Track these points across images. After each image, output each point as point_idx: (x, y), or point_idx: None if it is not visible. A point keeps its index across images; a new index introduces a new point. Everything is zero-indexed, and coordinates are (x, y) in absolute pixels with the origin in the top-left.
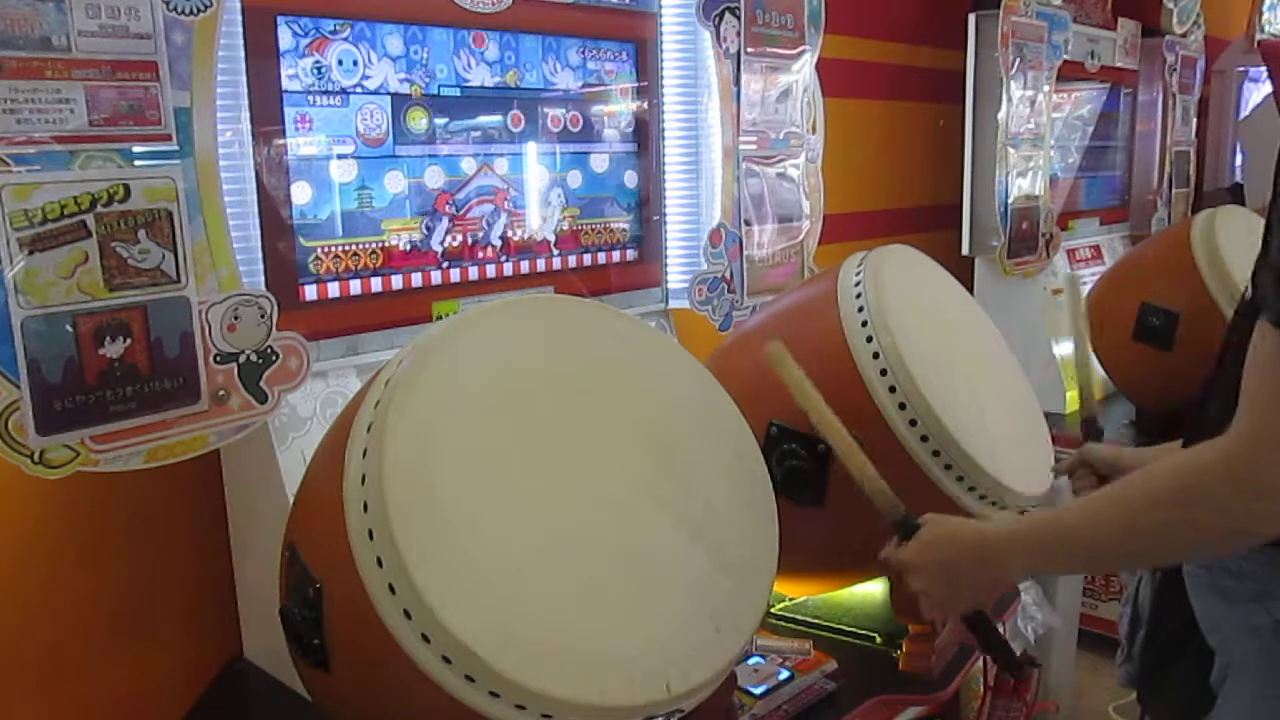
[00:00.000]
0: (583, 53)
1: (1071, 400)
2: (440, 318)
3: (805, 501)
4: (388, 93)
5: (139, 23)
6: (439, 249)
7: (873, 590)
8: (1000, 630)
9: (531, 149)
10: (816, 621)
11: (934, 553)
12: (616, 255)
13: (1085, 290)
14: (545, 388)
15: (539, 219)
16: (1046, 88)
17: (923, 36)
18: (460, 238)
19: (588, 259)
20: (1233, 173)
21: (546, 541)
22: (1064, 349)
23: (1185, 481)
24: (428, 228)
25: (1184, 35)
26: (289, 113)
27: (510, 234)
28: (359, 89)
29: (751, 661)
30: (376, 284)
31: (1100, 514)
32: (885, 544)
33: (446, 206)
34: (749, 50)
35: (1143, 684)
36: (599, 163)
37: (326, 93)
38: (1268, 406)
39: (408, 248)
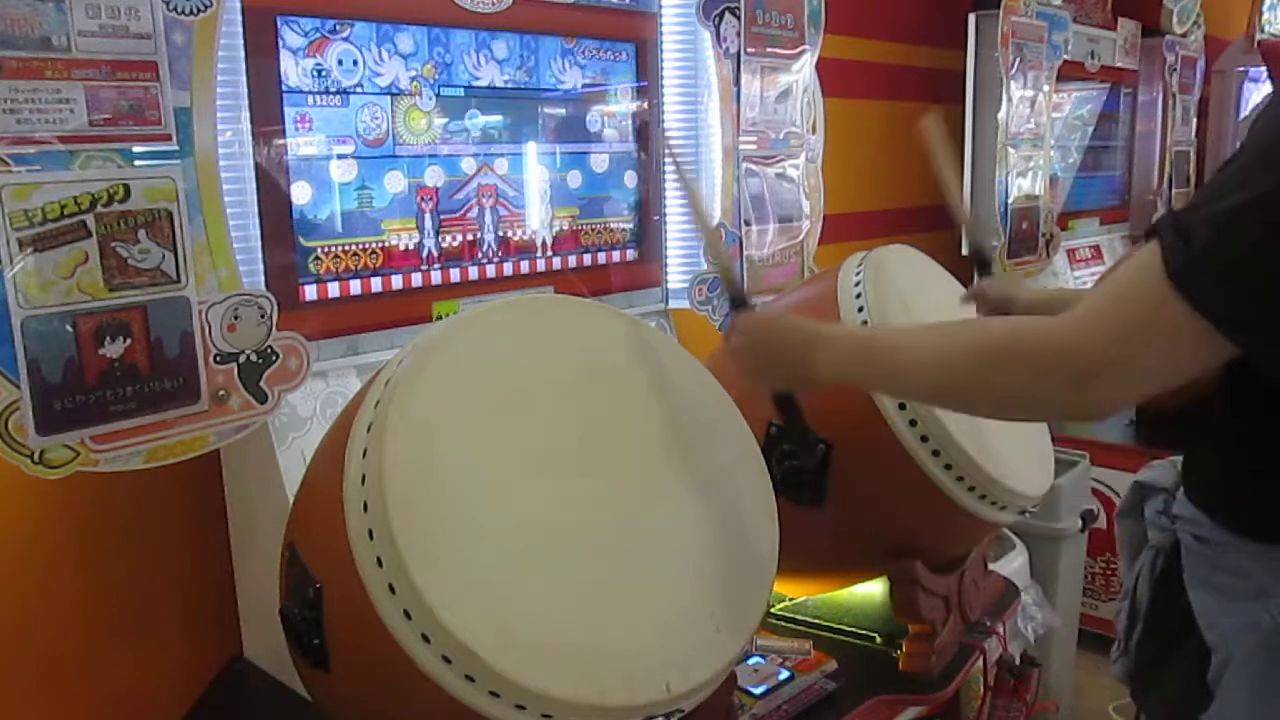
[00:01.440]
0: (583, 53)
1: None
2: (440, 318)
3: (805, 501)
4: (388, 93)
5: (139, 23)
6: (439, 249)
7: (873, 590)
8: (802, 415)
9: (531, 149)
10: (816, 621)
11: (761, 326)
12: (616, 255)
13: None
14: (545, 388)
15: (539, 219)
16: (1046, 88)
17: (922, 36)
18: (460, 238)
19: (588, 259)
20: None
21: (546, 541)
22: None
23: (1007, 345)
24: (425, 227)
25: (1184, 35)
26: (289, 113)
27: (510, 234)
28: (359, 89)
29: (751, 661)
30: (376, 284)
31: (925, 343)
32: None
33: (447, 206)
34: (749, 50)
35: (1139, 680)
36: (599, 163)
37: (326, 93)
38: (1104, 304)
39: (408, 248)
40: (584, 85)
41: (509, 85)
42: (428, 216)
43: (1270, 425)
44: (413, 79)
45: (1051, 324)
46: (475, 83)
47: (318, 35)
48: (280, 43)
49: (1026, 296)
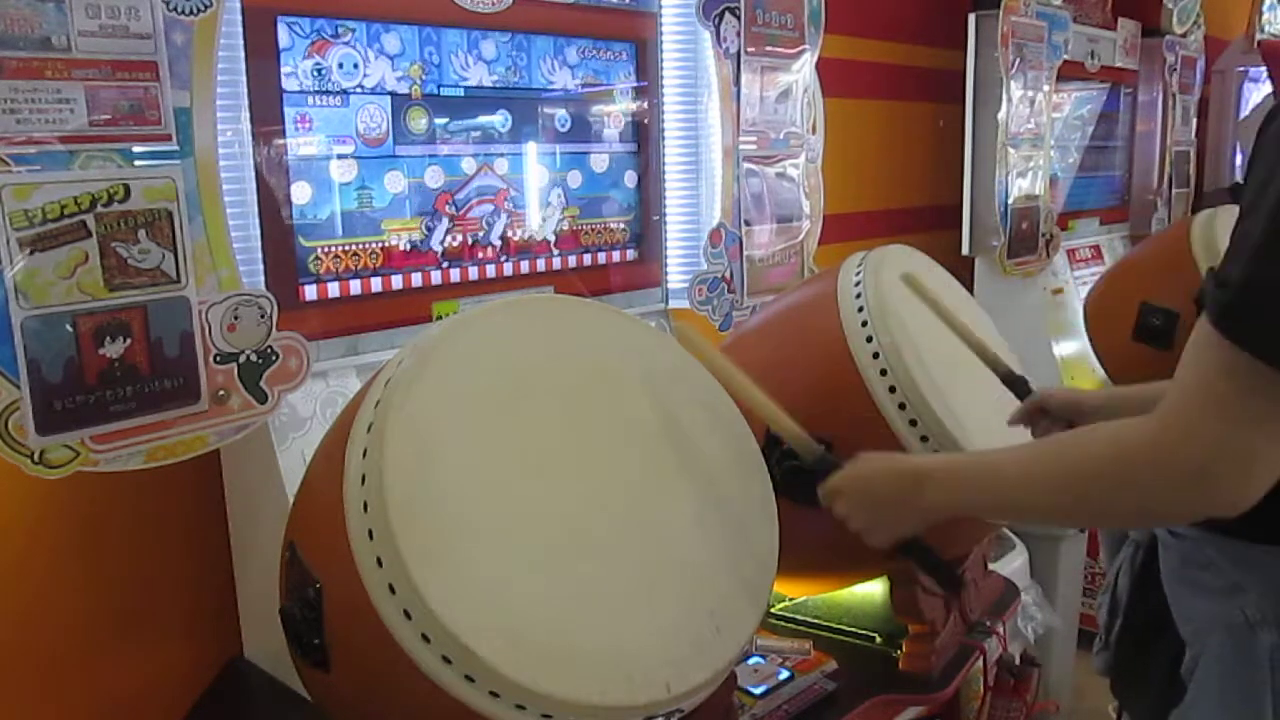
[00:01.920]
0: (583, 53)
1: None
2: (440, 318)
3: (805, 501)
4: (388, 93)
5: (139, 23)
6: (439, 249)
7: (873, 590)
8: (934, 550)
9: (531, 149)
10: (816, 621)
11: (863, 479)
12: (616, 255)
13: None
14: (545, 388)
15: (539, 219)
16: (1046, 88)
17: (922, 36)
18: (460, 238)
19: (588, 259)
20: (1233, 173)
21: (546, 541)
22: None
23: (1116, 459)
24: (428, 228)
25: (1184, 35)
26: (289, 113)
27: (510, 234)
28: (359, 89)
29: (751, 661)
30: (376, 284)
31: (1032, 469)
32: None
33: (446, 206)
34: (749, 50)
35: (1118, 672)
36: (599, 163)
37: (326, 93)
38: (1192, 399)
39: (408, 248)
40: (584, 85)
41: (509, 85)
42: (444, 219)
43: None
44: (412, 79)
45: (1149, 431)
46: (475, 83)
47: (318, 36)
48: (279, 43)
49: (1091, 402)
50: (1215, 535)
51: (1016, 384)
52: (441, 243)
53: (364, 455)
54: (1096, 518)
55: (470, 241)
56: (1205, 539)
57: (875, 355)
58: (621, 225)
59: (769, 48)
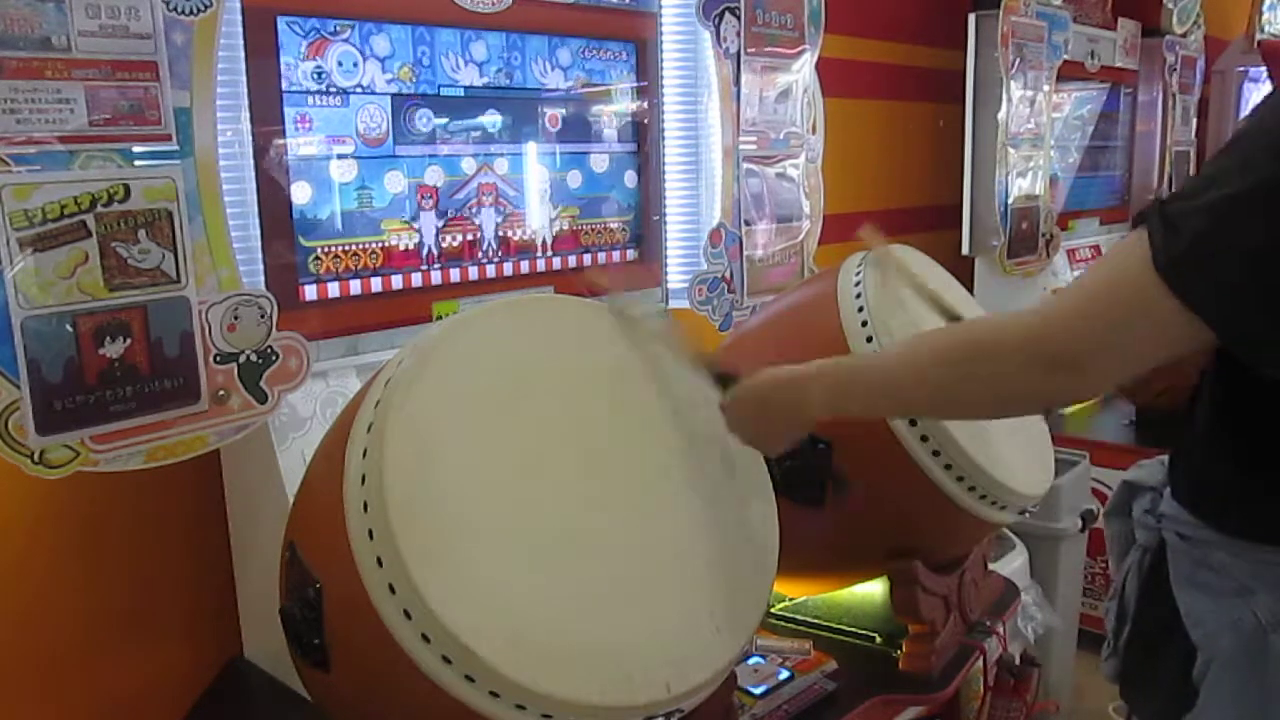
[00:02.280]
0: (583, 53)
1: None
2: (440, 318)
3: (805, 501)
4: (388, 93)
5: (139, 23)
6: (439, 249)
7: (873, 590)
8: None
9: (531, 149)
10: (816, 621)
11: (749, 393)
12: (616, 255)
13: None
14: (545, 387)
15: (538, 219)
16: (1046, 88)
17: (922, 36)
18: (460, 238)
19: (588, 259)
20: None
21: (546, 541)
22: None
23: (994, 334)
24: (428, 226)
25: (1184, 35)
26: (289, 113)
27: (509, 234)
28: (359, 89)
29: (751, 661)
30: (376, 284)
31: (898, 360)
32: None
33: (447, 206)
34: (749, 50)
35: (1127, 678)
36: (599, 163)
37: (326, 93)
38: (1088, 294)
39: (408, 248)
40: (584, 85)
41: (508, 85)
42: (427, 215)
43: (1252, 423)
44: (412, 79)
45: (1031, 315)
46: (475, 82)
47: (318, 36)
48: (280, 43)
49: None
50: (1226, 538)
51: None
52: (441, 243)
53: (364, 455)
54: (958, 401)
55: (470, 241)
56: (1216, 541)
57: None
58: (621, 225)
59: (769, 48)
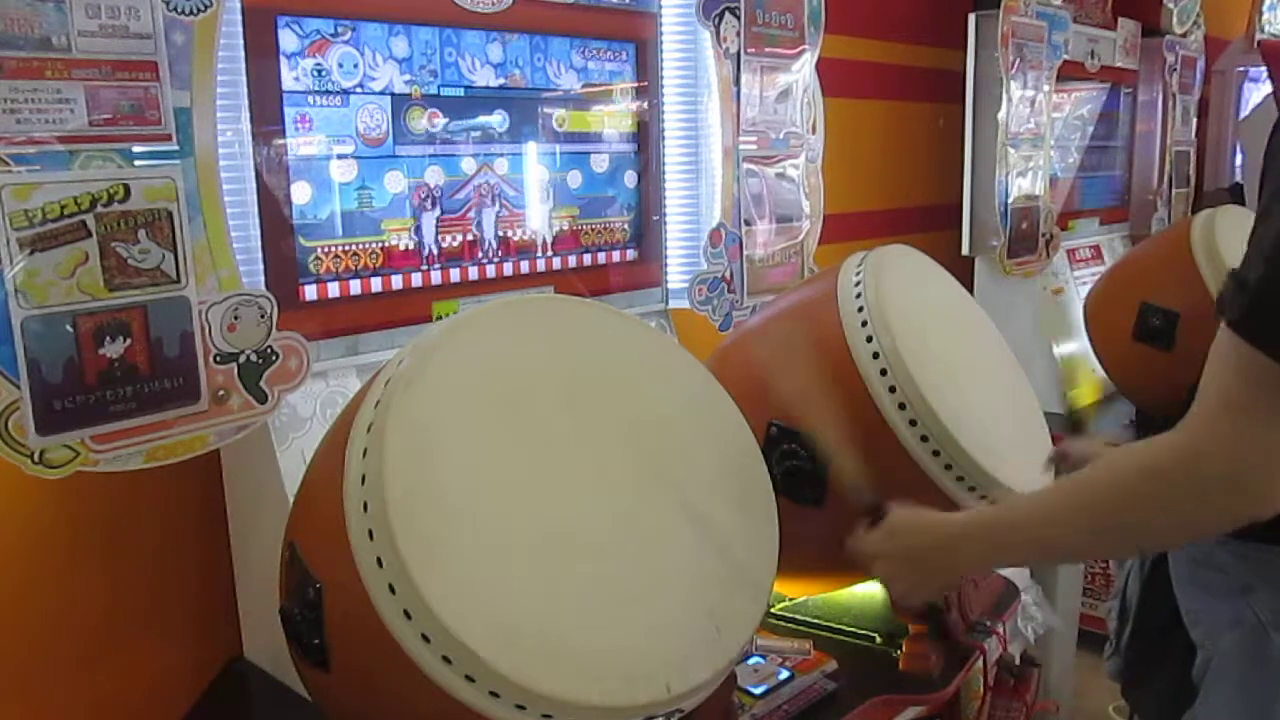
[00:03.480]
0: (583, 53)
1: (1072, 400)
2: (440, 318)
3: (805, 501)
4: (388, 93)
5: (139, 23)
6: (439, 249)
7: (873, 590)
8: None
9: (531, 149)
10: (816, 621)
11: (897, 540)
12: (616, 255)
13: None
14: (545, 387)
15: (539, 219)
16: (1046, 88)
17: (923, 36)
18: (460, 238)
19: (588, 259)
20: (1233, 173)
21: (546, 541)
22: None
23: (1146, 478)
24: (427, 228)
25: (1184, 35)
26: (289, 113)
27: (510, 234)
28: (359, 89)
29: (751, 661)
30: (376, 284)
31: (1062, 507)
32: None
33: (447, 206)
34: (749, 50)
35: (1129, 677)
36: (599, 163)
37: (327, 93)
38: (1217, 405)
39: (408, 248)
40: (584, 85)
41: (508, 85)
42: (427, 215)
43: None
44: (413, 79)
45: (1177, 444)
46: (475, 83)
47: (318, 36)
48: (280, 43)
49: (1108, 446)
50: (1227, 538)
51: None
52: (441, 243)
53: (364, 455)
54: (1136, 542)
55: (470, 241)
56: (1217, 542)
57: (875, 355)
58: (621, 225)
59: (769, 48)
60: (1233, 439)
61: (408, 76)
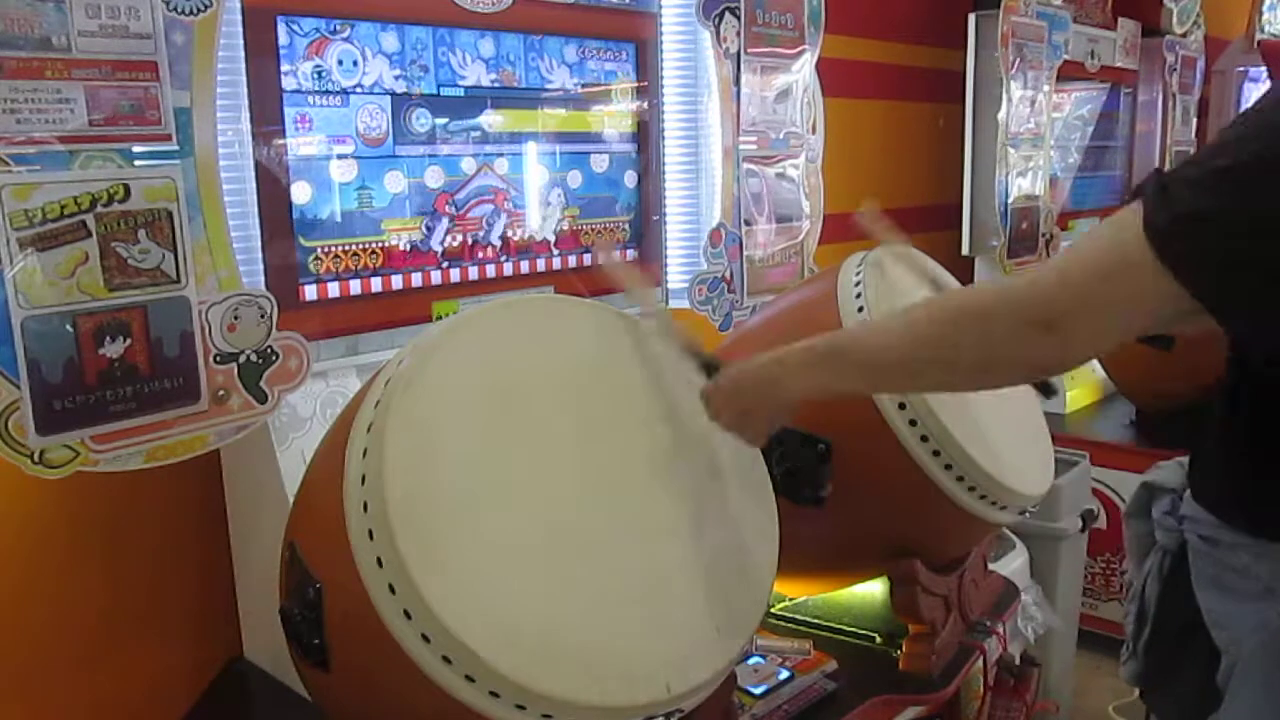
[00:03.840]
0: (582, 53)
1: (1072, 400)
2: (440, 318)
3: (805, 501)
4: (388, 93)
5: (139, 23)
6: (439, 249)
7: (873, 590)
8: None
9: (531, 149)
10: (816, 621)
11: (727, 378)
12: (617, 255)
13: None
14: (545, 387)
15: (539, 219)
16: (1046, 88)
17: (923, 36)
18: (460, 238)
19: (588, 259)
20: None
21: (546, 542)
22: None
23: (977, 298)
24: (428, 228)
25: (1184, 35)
26: (289, 113)
27: (510, 234)
28: (359, 89)
29: (751, 661)
30: (376, 284)
31: (881, 329)
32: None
33: (446, 206)
34: (749, 50)
35: (1148, 681)
36: (599, 163)
37: (326, 93)
38: (1077, 257)
39: (408, 248)
40: (584, 85)
41: (508, 85)
42: (444, 219)
43: (1271, 424)
44: (412, 79)
45: (1016, 279)
46: (475, 82)
47: (318, 35)
48: (279, 42)
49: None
50: (1249, 539)
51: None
52: (441, 243)
53: (364, 455)
54: (938, 370)
55: (470, 241)
56: (1238, 543)
57: None
58: (621, 225)
59: (769, 48)
60: (1062, 285)
61: (407, 75)
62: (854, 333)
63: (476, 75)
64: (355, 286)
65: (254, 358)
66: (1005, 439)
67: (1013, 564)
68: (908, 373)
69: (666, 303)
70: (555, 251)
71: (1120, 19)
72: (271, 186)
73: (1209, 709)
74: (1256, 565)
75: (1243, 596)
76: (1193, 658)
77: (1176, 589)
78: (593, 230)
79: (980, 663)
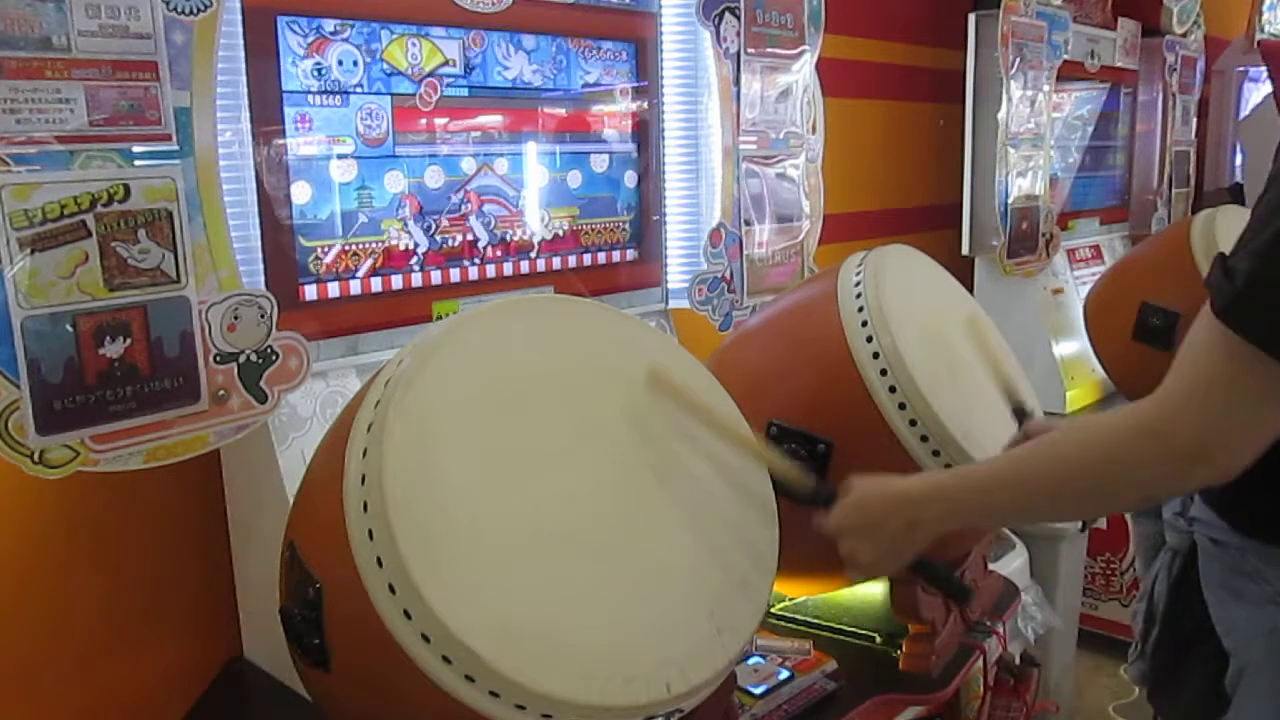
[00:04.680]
0: (582, 53)
1: (1072, 400)
2: (440, 318)
3: (805, 501)
4: (388, 93)
5: (139, 23)
6: (439, 249)
7: (873, 590)
8: (941, 566)
9: (531, 149)
10: (816, 621)
11: (859, 515)
12: (616, 255)
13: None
14: (545, 387)
15: (539, 219)
16: (1046, 88)
17: (923, 36)
18: (460, 238)
19: (588, 259)
20: (1233, 173)
21: (546, 541)
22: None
23: (1113, 443)
24: (427, 228)
25: (1184, 35)
26: (289, 113)
27: (510, 234)
28: (359, 89)
29: (751, 661)
30: (376, 284)
31: (1026, 470)
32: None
33: (447, 207)
34: (749, 50)
35: (1155, 683)
36: (599, 163)
37: (326, 93)
38: (1190, 380)
39: (408, 248)
40: (584, 85)
41: (508, 85)
42: (412, 221)
43: None
44: (413, 79)
45: (1145, 414)
46: (475, 83)
47: (318, 35)
48: (279, 42)
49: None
50: (1259, 544)
51: (1020, 410)
52: (441, 243)
53: (364, 455)
54: (1096, 506)
55: (470, 241)
56: (1249, 548)
57: (875, 355)
58: (621, 225)
59: (769, 48)
60: (1202, 410)
61: (408, 76)
62: (991, 477)
63: (476, 75)
64: (355, 286)
65: (254, 358)
66: (1005, 439)
67: (1013, 564)
68: (1056, 512)
69: (666, 303)
70: (555, 251)
71: (1120, 19)
72: (271, 186)
73: (1217, 713)
74: (1267, 570)
75: (1253, 601)
76: (1200, 660)
77: (1186, 591)
78: (592, 230)
79: (980, 663)
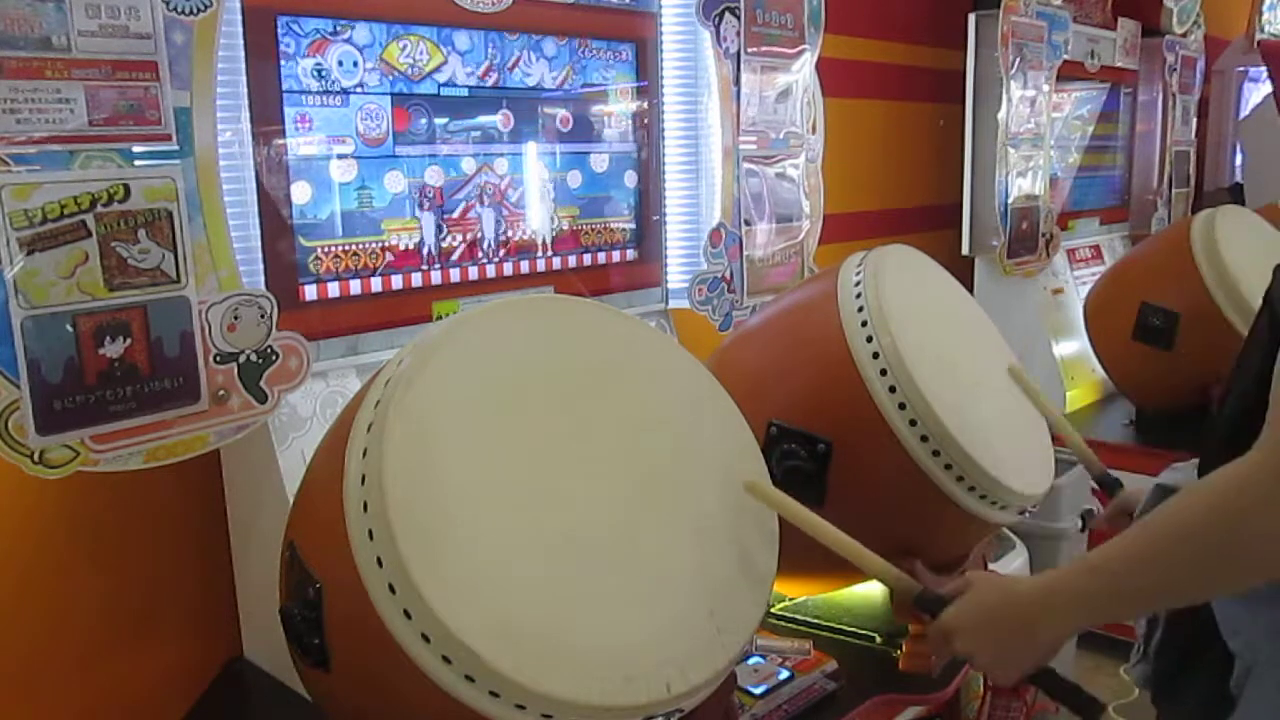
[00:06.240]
0: (583, 52)
1: (1072, 400)
2: (440, 318)
3: (805, 501)
4: (388, 93)
5: (139, 23)
6: (439, 249)
7: (873, 590)
8: (1063, 677)
9: (531, 149)
10: (816, 621)
11: (978, 616)
12: (616, 255)
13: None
14: (545, 387)
15: (539, 219)
16: (1046, 88)
17: (923, 36)
18: (460, 238)
19: (588, 259)
20: (1233, 173)
21: (547, 541)
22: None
23: (1224, 508)
24: (427, 227)
25: (1184, 35)
26: (289, 113)
27: (510, 234)
28: (359, 89)
29: (751, 661)
30: (376, 284)
31: (1139, 552)
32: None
33: (446, 206)
34: (749, 50)
35: (1159, 686)
36: (599, 163)
37: (326, 93)
38: None
39: (408, 248)
40: (584, 85)
41: (508, 85)
42: (427, 215)
43: None
44: (413, 79)
45: (1252, 469)
46: (475, 82)
47: (318, 35)
48: (279, 42)
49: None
50: None
51: (1107, 482)
52: (441, 243)
53: (364, 455)
54: (1225, 577)
55: (470, 241)
56: None
57: (875, 355)
58: (621, 225)
59: (769, 48)
60: None
61: (409, 75)
62: (1106, 561)
63: (476, 75)
64: (355, 286)
65: (254, 357)
66: (1005, 439)
67: (1013, 564)
68: (1186, 594)
69: (666, 303)
70: (555, 251)
71: (1120, 19)
72: (271, 186)
73: (1221, 715)
74: None
75: (1258, 602)
76: (1205, 663)
77: None
78: (593, 230)
79: None
